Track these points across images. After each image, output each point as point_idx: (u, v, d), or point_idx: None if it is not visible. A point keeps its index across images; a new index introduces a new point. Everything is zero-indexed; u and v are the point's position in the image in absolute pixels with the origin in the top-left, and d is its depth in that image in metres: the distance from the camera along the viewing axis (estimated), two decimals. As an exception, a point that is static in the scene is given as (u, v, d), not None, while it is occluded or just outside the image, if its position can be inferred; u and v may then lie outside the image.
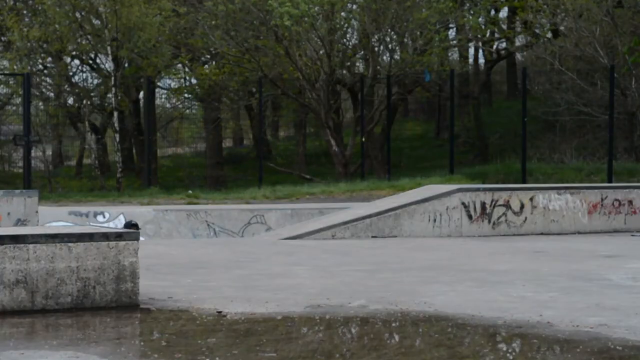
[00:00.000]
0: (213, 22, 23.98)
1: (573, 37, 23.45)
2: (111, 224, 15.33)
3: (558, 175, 19.75)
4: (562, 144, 23.83)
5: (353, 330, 5.54)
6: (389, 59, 24.67)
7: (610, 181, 18.55)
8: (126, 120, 26.39)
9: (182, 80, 29.98)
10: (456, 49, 29.11)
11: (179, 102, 29.98)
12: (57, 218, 15.42)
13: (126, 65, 24.96)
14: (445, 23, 25.06)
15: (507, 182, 18.63)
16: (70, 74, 27.78)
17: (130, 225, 16.64)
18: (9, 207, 14.00)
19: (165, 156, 31.78)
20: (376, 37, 24.05)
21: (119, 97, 24.00)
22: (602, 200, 13.15)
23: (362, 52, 26.55)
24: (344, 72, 25.87)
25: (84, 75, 28.45)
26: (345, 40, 25.50)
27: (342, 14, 24.05)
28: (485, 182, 18.10)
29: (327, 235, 11.83)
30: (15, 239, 5.85)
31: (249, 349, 4.86)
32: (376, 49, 24.41)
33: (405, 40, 25.04)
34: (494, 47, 30.60)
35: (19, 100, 25.22)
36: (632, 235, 12.63)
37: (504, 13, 30.42)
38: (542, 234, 12.64)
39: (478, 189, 12.83)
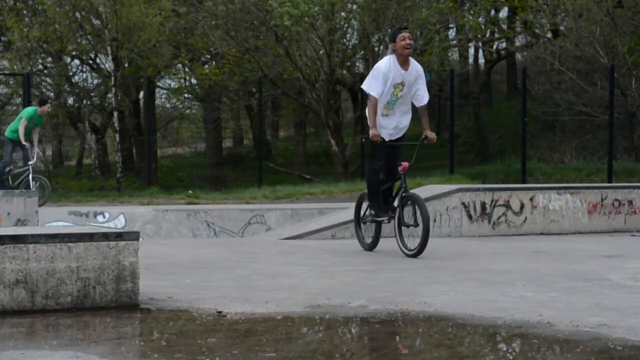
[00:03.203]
0: (213, 22, 23.99)
1: (573, 37, 23.46)
2: (111, 224, 15.35)
3: (558, 175, 19.75)
4: (562, 144, 23.84)
5: (353, 330, 5.54)
6: (389, 59, 24.64)
7: (610, 181, 18.55)
8: (126, 120, 26.41)
9: (182, 80, 30.00)
10: (456, 49, 29.13)
11: (179, 102, 30.01)
12: (57, 218, 15.44)
13: (126, 65, 24.97)
14: (445, 23, 25.08)
15: (507, 182, 18.64)
16: (70, 74, 27.79)
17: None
18: (9, 207, 14.00)
19: (165, 156, 31.80)
20: (376, 37, 24.05)
21: (119, 97, 24.01)
22: (602, 200, 13.15)
23: (362, 52, 26.56)
24: (344, 72, 25.88)
25: (84, 75, 28.50)
26: (345, 40, 25.51)
27: (342, 14, 24.06)
28: (485, 182, 18.10)
29: (327, 235, 11.82)
30: (15, 239, 5.84)
31: (249, 349, 4.86)
32: (376, 49, 24.41)
33: (405, 40, 25.01)
34: (494, 47, 30.64)
35: (19, 100, 25.23)
36: (632, 235, 12.63)
37: (504, 13, 30.46)
38: (542, 234, 12.64)
39: (478, 189, 12.83)
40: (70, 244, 5.95)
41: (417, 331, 5.47)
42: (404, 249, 9.12)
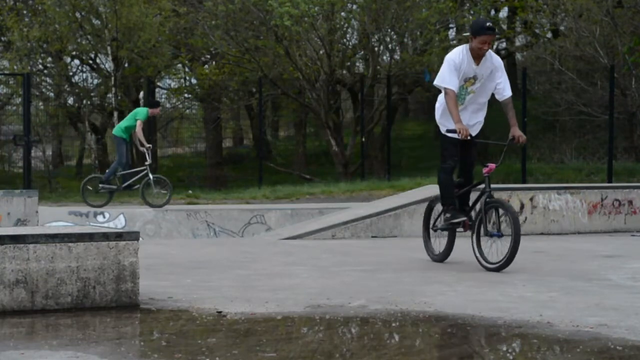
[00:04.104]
0: (213, 22, 24.01)
1: (573, 37, 23.47)
2: (111, 224, 15.35)
3: (558, 175, 19.75)
4: (562, 144, 23.83)
5: (353, 330, 5.54)
6: (389, 59, 24.69)
7: (610, 181, 18.55)
8: (126, 120, 26.37)
9: (182, 80, 30.02)
10: (456, 49, 29.10)
11: (179, 102, 30.02)
12: (57, 218, 15.44)
13: (126, 65, 24.97)
14: (445, 23, 25.08)
15: (507, 182, 18.64)
16: (70, 74, 27.79)
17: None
18: (9, 207, 14.01)
19: (165, 156, 31.81)
20: (376, 37, 24.07)
21: (119, 97, 24.02)
22: (602, 200, 13.15)
23: (362, 52, 26.57)
24: (344, 72, 25.89)
25: (84, 75, 28.50)
26: (345, 40, 25.53)
27: (342, 14, 24.08)
28: (485, 182, 18.06)
29: (327, 235, 11.83)
30: (15, 239, 5.84)
31: (249, 349, 4.86)
32: (376, 49, 24.42)
33: (405, 40, 25.06)
34: (494, 47, 30.61)
35: (19, 100, 25.23)
36: (632, 235, 12.63)
37: (504, 13, 30.46)
38: (542, 234, 12.64)
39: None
40: (70, 244, 5.95)
41: (417, 331, 5.47)
42: (483, 262, 8.07)
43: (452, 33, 28.33)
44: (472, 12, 26.44)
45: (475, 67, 8.22)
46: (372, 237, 12.04)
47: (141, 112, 16.38)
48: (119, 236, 6.12)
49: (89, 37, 24.59)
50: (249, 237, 14.45)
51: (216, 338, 5.18)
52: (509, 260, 7.83)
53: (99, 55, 26.30)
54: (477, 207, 8.35)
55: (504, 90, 8.29)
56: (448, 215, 8.45)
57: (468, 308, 6.08)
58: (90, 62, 27.17)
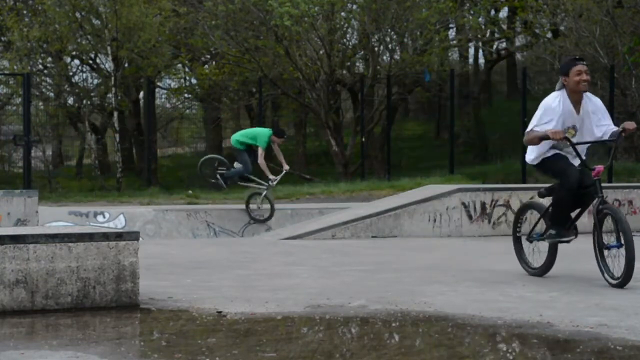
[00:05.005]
0: (213, 22, 24.00)
1: (573, 37, 23.44)
2: (111, 224, 15.34)
3: (558, 175, 19.69)
4: (562, 144, 23.80)
5: (353, 330, 5.54)
6: (389, 59, 24.69)
7: (610, 181, 18.54)
8: (126, 120, 26.41)
9: (182, 80, 30.01)
10: (456, 49, 29.14)
11: (179, 102, 30.01)
12: (57, 218, 15.42)
13: (126, 65, 24.96)
14: (445, 23, 25.08)
15: (507, 182, 18.62)
16: (70, 74, 27.78)
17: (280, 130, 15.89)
18: (9, 207, 14.00)
19: (165, 156, 31.82)
20: (376, 37, 24.07)
21: (119, 97, 24.01)
22: (602, 200, 13.12)
23: (362, 52, 26.57)
24: (344, 72, 25.89)
25: (84, 75, 28.47)
26: (345, 40, 25.52)
27: (342, 14, 24.07)
28: (485, 182, 18.10)
29: (327, 235, 11.83)
30: (15, 239, 5.84)
31: (249, 349, 4.86)
32: (376, 49, 24.42)
33: (405, 40, 25.06)
34: (494, 47, 30.64)
35: (19, 100, 25.21)
36: (632, 236, 12.60)
37: (504, 13, 30.47)
38: (542, 234, 12.61)
39: (478, 189, 12.82)
40: (70, 244, 5.95)
41: (417, 331, 5.47)
42: (608, 277, 7.18)
43: (452, 33, 28.34)
44: (472, 12, 26.44)
45: (576, 116, 7.48)
46: (372, 237, 12.04)
47: (262, 137, 14.93)
48: (119, 236, 6.12)
49: (89, 37, 24.57)
50: (249, 237, 14.44)
51: (216, 338, 5.18)
52: (626, 276, 7.00)
53: (99, 55, 26.28)
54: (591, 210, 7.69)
55: (610, 129, 7.72)
56: (553, 232, 7.79)
57: (468, 308, 6.08)
58: (90, 62, 27.16)
